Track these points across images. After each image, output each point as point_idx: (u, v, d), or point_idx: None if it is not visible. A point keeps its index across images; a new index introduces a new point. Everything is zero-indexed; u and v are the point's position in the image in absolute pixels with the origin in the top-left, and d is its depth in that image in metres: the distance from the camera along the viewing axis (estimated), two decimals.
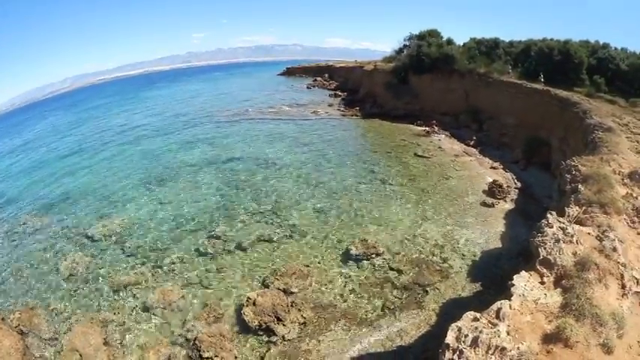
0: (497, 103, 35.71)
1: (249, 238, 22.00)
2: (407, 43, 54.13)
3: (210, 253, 21.50)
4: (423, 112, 43.50)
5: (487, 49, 42.90)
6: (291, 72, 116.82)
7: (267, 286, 17.78)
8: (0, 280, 23.32)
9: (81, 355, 16.40)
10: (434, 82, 43.92)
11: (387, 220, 22.48)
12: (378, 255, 18.65)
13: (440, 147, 34.32)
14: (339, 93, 67.20)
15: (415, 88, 46.46)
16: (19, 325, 19.23)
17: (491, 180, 25.60)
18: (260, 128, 47.66)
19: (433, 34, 48.56)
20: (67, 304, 19.96)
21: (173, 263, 21.28)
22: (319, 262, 19.10)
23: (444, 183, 26.70)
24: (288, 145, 38.55)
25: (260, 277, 18.88)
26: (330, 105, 58.14)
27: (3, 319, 19.69)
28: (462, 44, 46.68)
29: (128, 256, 22.76)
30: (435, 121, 39.97)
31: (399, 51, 55.55)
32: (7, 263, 25.03)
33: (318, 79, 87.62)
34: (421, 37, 49.34)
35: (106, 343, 16.76)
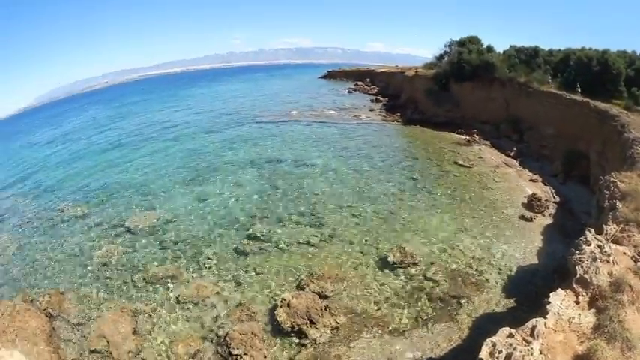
0: (537, 113, 35.16)
1: (287, 240, 22.08)
2: (447, 49, 53.83)
3: (248, 252, 21.61)
4: (464, 121, 43.17)
5: (527, 58, 42.31)
6: (332, 75, 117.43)
7: (302, 289, 17.87)
8: (33, 264, 24.16)
9: (108, 342, 16.73)
10: (475, 90, 43.47)
11: (425, 228, 22.41)
12: (414, 264, 18.56)
13: (480, 157, 33.98)
14: (381, 98, 67.28)
15: (456, 95, 46.12)
16: (47, 307, 19.68)
17: (530, 193, 25.27)
18: (302, 130, 48.09)
19: (473, 40, 48.27)
20: (98, 291, 20.38)
21: (209, 259, 21.46)
22: (355, 268, 19.11)
23: (484, 194, 26.47)
24: (329, 149, 38.80)
25: (296, 279, 18.99)
26: (372, 110, 58.33)
27: (32, 300, 20.30)
28: (502, 52, 45.79)
29: (164, 249, 22.97)
30: (475, 130, 39.73)
31: (440, 57, 55.27)
32: (41, 248, 25.90)
33: (360, 83, 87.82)
34: (461, 43, 49.26)
35: (135, 332, 17.05)
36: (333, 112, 58.58)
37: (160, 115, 74.55)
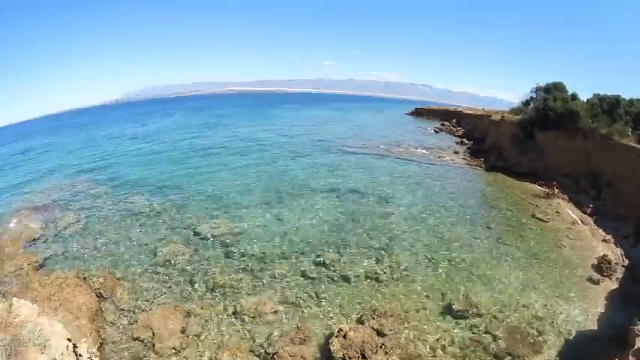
0: (617, 168, 34.15)
1: (356, 272, 22.53)
2: (534, 94, 52.93)
3: (314, 278, 22.02)
4: (546, 172, 42.29)
5: (609, 107, 40.65)
6: (419, 113, 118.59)
7: (361, 323, 18.04)
8: (95, 246, 25.97)
9: (154, 334, 17.17)
10: (558, 140, 42.61)
11: (493, 280, 22.60)
12: (477, 315, 18.85)
13: (558, 211, 33.36)
14: (466, 141, 67.22)
15: (540, 144, 45.32)
16: (100, 288, 20.56)
17: (601, 254, 24.76)
18: (385, 165, 49.01)
19: (559, 87, 47.35)
20: (155, 285, 21.12)
21: (274, 278, 21.92)
22: (419, 310, 19.44)
23: (556, 251, 26.16)
24: (410, 187, 39.26)
25: (357, 312, 19.15)
26: (456, 152, 58.52)
27: (85, 278, 21.37)
28: (585, 100, 44.24)
29: (231, 260, 23.76)
30: (555, 183, 38.86)
31: (526, 103, 54.38)
32: (106, 234, 27.74)
33: (446, 123, 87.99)
34: (547, 90, 48.46)
35: (183, 332, 17.50)
36: (418, 150, 59.46)
37: (247, 132, 77.90)
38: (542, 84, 51.38)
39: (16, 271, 23.71)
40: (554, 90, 47.35)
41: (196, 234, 26.96)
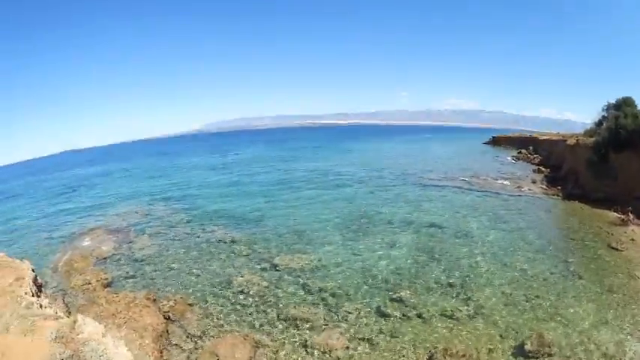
0: None
1: (431, 309, 22.42)
2: (605, 114, 50.85)
3: (389, 315, 21.86)
4: (621, 196, 40.38)
5: None
6: (496, 141, 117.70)
7: None
8: (168, 270, 26.98)
9: None
10: (631, 161, 40.78)
11: (566, 316, 22.29)
12: (549, 355, 18.65)
13: (632, 239, 32.06)
14: (543, 169, 65.93)
15: (615, 167, 43.38)
16: (169, 311, 20.77)
17: None
18: (465, 197, 49.17)
19: (628, 102, 45.47)
20: (226, 313, 21.41)
21: (349, 313, 21.88)
22: (491, 351, 19.41)
23: (631, 283, 25.35)
24: (489, 220, 39.09)
25: (429, 351, 18.88)
26: (534, 181, 57.59)
27: (155, 300, 21.93)
28: None
29: (306, 293, 24.00)
30: (630, 208, 37.06)
31: (599, 123, 52.12)
32: (180, 259, 28.78)
33: (523, 151, 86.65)
34: (617, 106, 46.58)
35: None
36: (495, 181, 59.36)
37: (326, 165, 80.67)
38: (614, 100, 49.17)
39: (83, 285, 25.17)
40: (624, 106, 45.52)
41: (273, 266, 27.64)
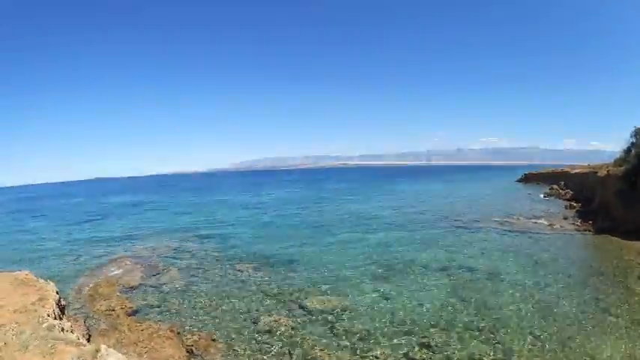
0: None
1: (461, 354, 21.70)
2: (634, 139, 49.56)
3: None
4: None
5: None
6: (528, 179, 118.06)
7: None
8: (194, 304, 26.80)
9: None
10: None
11: (595, 356, 21.46)
12: None
13: None
14: (574, 204, 64.62)
15: None
16: (192, 345, 20.51)
17: None
18: (497, 239, 48.31)
19: None
20: (251, 351, 21.06)
21: (376, 358, 21.29)
22: None
23: None
24: (519, 261, 38.37)
25: None
26: (565, 218, 56.46)
27: (178, 333, 21.79)
28: None
29: (333, 335, 23.44)
30: None
31: (628, 150, 50.52)
32: (207, 293, 28.60)
33: (555, 187, 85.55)
34: None
35: None
36: (527, 220, 58.23)
37: (359, 207, 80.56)
38: None
39: (106, 311, 25.05)
40: None
41: (302, 307, 27.15)
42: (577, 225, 51.89)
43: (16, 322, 11.68)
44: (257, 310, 26.88)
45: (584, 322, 25.84)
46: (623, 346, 22.53)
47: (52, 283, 16.63)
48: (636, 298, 27.85)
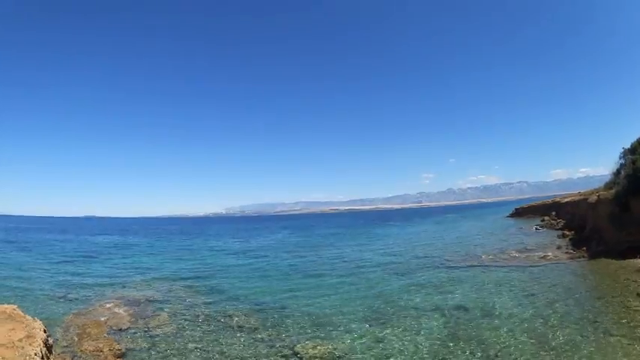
0: None
1: None
2: (622, 161, 49.09)
3: None
4: None
5: None
6: (519, 213, 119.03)
7: None
8: (185, 351, 26.16)
9: None
10: None
11: None
12: None
13: None
14: (567, 232, 63.78)
15: (637, 214, 41.72)
16: None
17: None
18: (489, 275, 47.54)
19: None
20: None
21: None
22: None
23: None
24: (514, 295, 37.67)
25: None
26: (559, 247, 55.73)
27: None
28: None
29: None
30: None
31: (617, 173, 50.38)
32: (200, 342, 27.78)
33: (546, 218, 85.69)
34: (633, 150, 44.99)
35: None
36: (520, 254, 57.28)
37: (349, 252, 79.14)
38: (629, 145, 47.79)
39: (94, 352, 24.62)
40: (639, 147, 44.37)
41: (295, 353, 26.60)
42: (571, 253, 51.27)
43: (3, 358, 11.64)
44: (248, 356, 26.35)
45: (584, 345, 25.07)
46: None
47: (39, 321, 16.28)
48: (636, 315, 27.35)
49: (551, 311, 32.29)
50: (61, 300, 40.90)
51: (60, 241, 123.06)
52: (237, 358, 26.10)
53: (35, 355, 12.62)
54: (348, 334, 30.46)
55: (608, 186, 53.26)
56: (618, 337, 24.84)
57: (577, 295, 35.12)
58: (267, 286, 48.47)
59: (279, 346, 28.12)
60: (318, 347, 27.37)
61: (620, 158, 50.81)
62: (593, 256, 45.70)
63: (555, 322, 29.83)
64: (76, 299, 41.12)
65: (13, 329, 14.17)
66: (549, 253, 53.58)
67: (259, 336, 30.05)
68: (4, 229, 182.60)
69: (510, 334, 28.87)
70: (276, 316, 35.41)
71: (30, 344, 13.21)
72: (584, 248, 49.92)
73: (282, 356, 26.42)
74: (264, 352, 27.07)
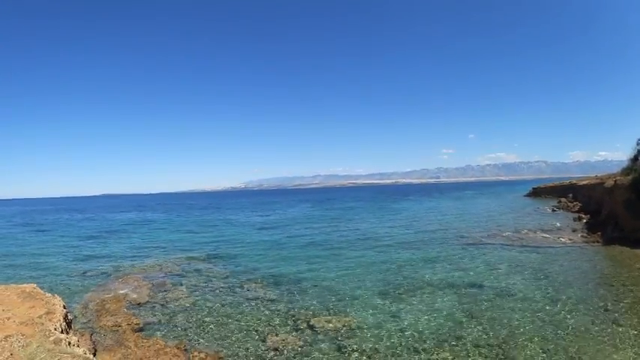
0: None
1: None
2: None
3: None
4: None
5: None
6: (536, 193, 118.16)
7: None
8: (201, 322, 26.77)
9: None
10: None
11: None
12: None
13: None
14: (583, 215, 64.15)
15: None
16: None
17: None
18: (504, 254, 47.81)
19: None
20: None
21: None
22: None
23: None
24: (528, 276, 37.80)
25: None
26: (574, 230, 56.13)
27: (186, 349, 21.64)
28: None
29: (342, 354, 22.99)
30: None
31: (634, 159, 50.56)
32: (215, 312, 28.54)
33: (563, 200, 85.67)
34: None
35: None
36: (536, 234, 57.76)
37: (368, 226, 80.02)
38: None
39: (113, 327, 25.03)
40: None
41: (310, 326, 26.73)
42: (586, 237, 51.46)
43: (23, 335, 11.71)
44: (265, 329, 26.68)
45: (593, 333, 25.25)
46: (634, 356, 21.99)
47: (58, 297, 16.67)
48: None
49: (563, 295, 32.56)
50: (81, 277, 42.17)
51: (78, 220, 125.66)
52: (253, 330, 26.61)
53: (55, 330, 12.75)
54: (363, 309, 30.88)
55: (626, 172, 53.03)
56: (627, 328, 25.05)
57: (590, 281, 35.42)
58: (284, 259, 49.01)
59: (295, 319, 28.53)
60: (334, 321, 27.73)
61: (638, 144, 50.95)
62: (608, 242, 45.90)
63: (567, 306, 30.12)
64: (95, 276, 42.31)
65: (32, 307, 14.47)
66: (564, 236, 53.92)
67: (275, 308, 30.63)
68: (23, 212, 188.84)
69: (523, 315, 29.12)
70: (292, 289, 35.96)
71: (50, 320, 13.40)
72: (599, 233, 50.11)
73: (297, 329, 26.83)
74: (280, 325, 27.46)
